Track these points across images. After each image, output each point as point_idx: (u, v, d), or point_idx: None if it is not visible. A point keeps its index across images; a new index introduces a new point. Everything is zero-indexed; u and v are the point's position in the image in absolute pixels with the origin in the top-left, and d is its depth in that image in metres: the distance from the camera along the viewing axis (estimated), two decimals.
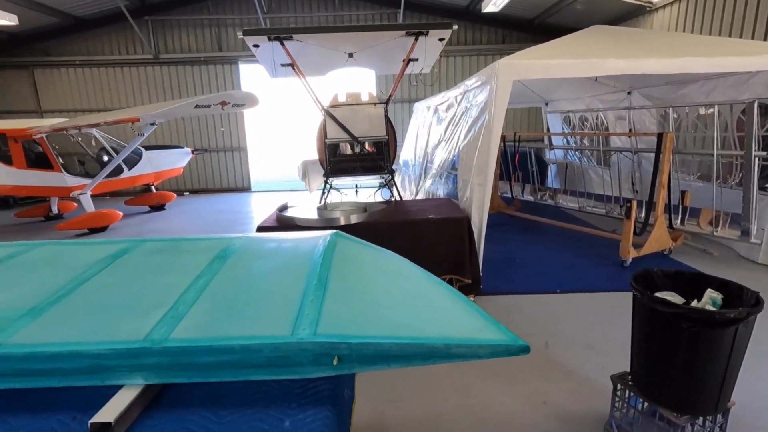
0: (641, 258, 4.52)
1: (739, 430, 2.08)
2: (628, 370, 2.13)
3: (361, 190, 6.79)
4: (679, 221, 4.99)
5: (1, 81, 11.36)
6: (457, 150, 4.89)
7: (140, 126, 7.17)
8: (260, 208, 9.44)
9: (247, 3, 10.85)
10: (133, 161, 8.35)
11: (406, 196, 7.28)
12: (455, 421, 2.28)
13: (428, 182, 6.48)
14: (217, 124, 11.78)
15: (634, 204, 4.40)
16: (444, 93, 6.50)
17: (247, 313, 1.22)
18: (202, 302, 1.28)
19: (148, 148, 8.80)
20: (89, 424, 0.96)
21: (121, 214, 7.53)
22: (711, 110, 5.00)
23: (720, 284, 1.97)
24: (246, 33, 4.67)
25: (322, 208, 4.29)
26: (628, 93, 6.41)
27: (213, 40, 11.30)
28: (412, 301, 1.33)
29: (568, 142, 7.93)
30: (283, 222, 3.85)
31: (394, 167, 5.38)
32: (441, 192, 6.22)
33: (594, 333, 3.17)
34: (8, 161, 7.17)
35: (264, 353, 1.07)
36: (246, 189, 12.14)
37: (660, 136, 4.45)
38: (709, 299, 1.92)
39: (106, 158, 8.01)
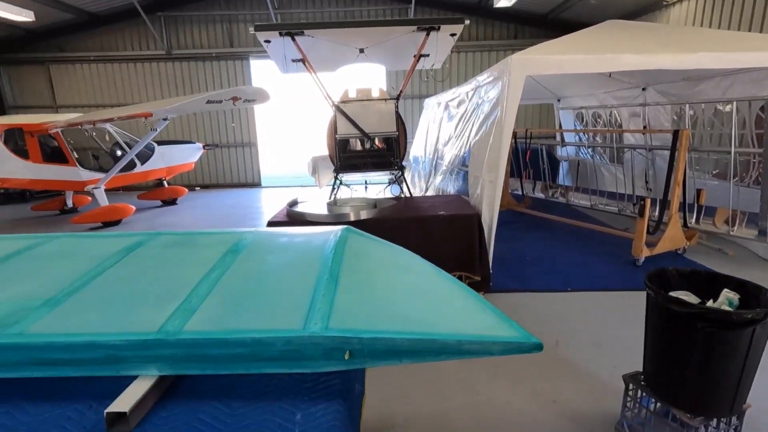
0: (654, 257, 4.46)
1: None
2: (640, 369, 2.10)
3: (371, 187, 6.80)
4: (693, 220, 4.91)
5: (18, 76, 11.56)
6: (468, 146, 4.86)
7: (153, 121, 7.24)
8: (270, 203, 9.49)
9: None
10: (145, 156, 8.44)
11: (416, 192, 7.26)
12: (463, 418, 2.27)
13: (438, 179, 6.46)
14: (228, 120, 11.85)
15: (648, 202, 4.34)
16: (455, 89, 6.45)
17: (259, 307, 1.22)
18: (214, 295, 1.29)
19: (160, 143, 8.89)
20: (105, 414, 0.97)
21: (134, 208, 7.62)
22: (728, 107, 4.89)
23: (737, 284, 1.93)
24: (257, 28, 4.68)
25: (332, 204, 4.30)
26: (643, 89, 6.30)
27: (224, 36, 11.35)
28: (424, 296, 1.33)
29: (580, 139, 7.83)
30: (293, 217, 3.86)
31: (404, 163, 5.36)
32: (451, 189, 6.20)
33: (605, 332, 3.14)
34: (25, 155, 7.30)
35: (276, 347, 1.07)
36: (256, 184, 12.21)
37: (676, 133, 4.38)
38: (726, 299, 1.88)
39: (119, 153, 8.12)
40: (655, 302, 1.92)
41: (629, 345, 2.88)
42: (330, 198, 4.93)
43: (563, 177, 8.00)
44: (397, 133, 5.04)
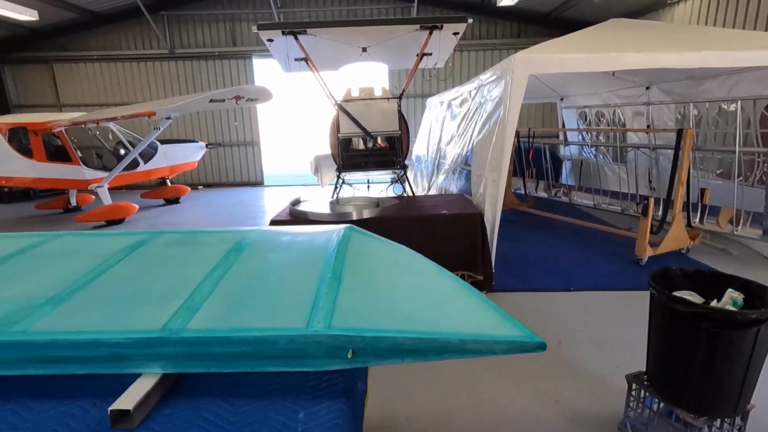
0: (657, 257, 4.44)
1: None
2: (643, 369, 2.10)
3: (373, 186, 6.79)
4: (697, 219, 4.89)
5: (22, 75, 11.61)
6: (470, 145, 4.85)
7: (156, 120, 7.26)
8: (273, 202, 9.50)
9: None
10: (148, 155, 8.46)
11: (418, 191, 7.25)
12: (466, 417, 2.27)
13: (441, 178, 6.45)
14: (230, 119, 11.87)
15: (651, 201, 4.32)
16: (458, 88, 6.44)
17: (262, 305, 1.23)
18: (217, 294, 1.29)
19: (163, 142, 8.91)
20: (109, 411, 0.98)
21: (137, 207, 7.64)
22: (733, 106, 4.87)
23: (741, 284, 1.93)
24: (260, 27, 4.67)
25: (335, 203, 4.30)
26: (647, 88, 6.28)
27: (227, 35, 11.36)
28: (427, 295, 1.33)
29: (583, 138, 7.81)
30: (295, 216, 3.86)
31: (406, 162, 5.35)
32: (454, 188, 6.19)
33: (607, 332, 3.13)
34: (29, 154, 7.33)
35: (279, 345, 1.07)
36: (259, 183, 12.23)
37: (680, 133, 4.36)
38: (730, 299, 1.87)
39: (122, 152, 8.14)
40: (658, 302, 1.92)
41: (632, 345, 2.87)
42: (332, 197, 4.93)
43: (566, 176, 7.97)
44: (399, 132, 5.03)
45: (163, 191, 9.34)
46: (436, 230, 3.78)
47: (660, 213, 4.67)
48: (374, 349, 1.08)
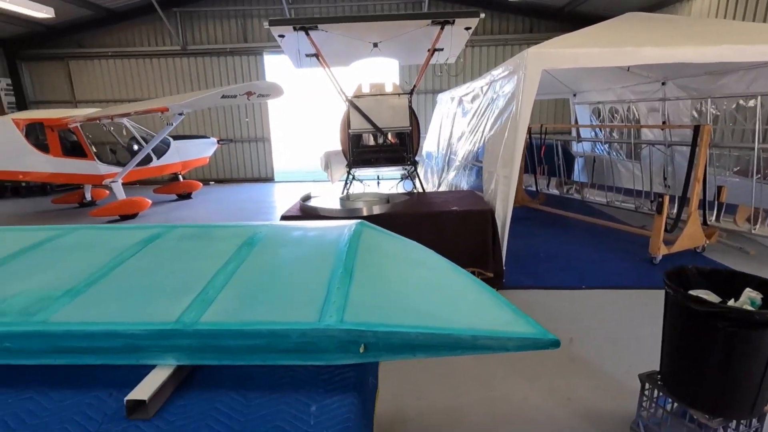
0: (672, 255, 4.37)
1: None
2: (656, 369, 2.07)
3: (383, 182, 6.78)
4: (713, 218, 4.80)
5: (38, 72, 11.81)
6: (482, 141, 4.81)
7: (169, 116, 7.33)
8: (283, 197, 9.55)
9: None
10: (161, 151, 8.56)
11: (429, 188, 7.22)
12: (478, 413, 2.26)
13: (451, 174, 6.41)
14: (242, 115, 11.94)
15: (666, 199, 4.25)
16: (469, 83, 6.39)
17: (275, 299, 1.23)
18: (230, 287, 1.30)
19: (176, 138, 9.00)
20: (125, 401, 0.99)
21: (150, 201, 7.74)
22: (752, 101, 4.75)
23: (759, 283, 1.88)
24: (272, 23, 4.68)
25: (345, 199, 4.31)
26: (663, 84, 6.16)
27: (239, 31, 11.41)
28: (439, 291, 1.32)
29: (596, 135, 7.69)
30: (306, 212, 3.88)
31: (416, 158, 5.33)
32: (464, 184, 6.15)
33: (620, 330, 3.10)
34: (46, 150, 7.46)
35: (291, 339, 1.08)
36: (269, 179, 12.30)
37: (696, 129, 4.27)
38: (748, 299, 1.84)
39: (136, 147, 8.24)
40: (674, 300, 1.89)
41: (645, 344, 2.84)
42: (342, 193, 4.93)
43: (578, 173, 7.87)
44: (410, 128, 5.01)
45: (176, 186, 9.44)
46: (446, 227, 3.77)
47: (675, 211, 4.59)
48: (386, 343, 1.08)
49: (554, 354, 2.66)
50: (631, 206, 5.88)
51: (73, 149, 7.77)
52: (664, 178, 6.02)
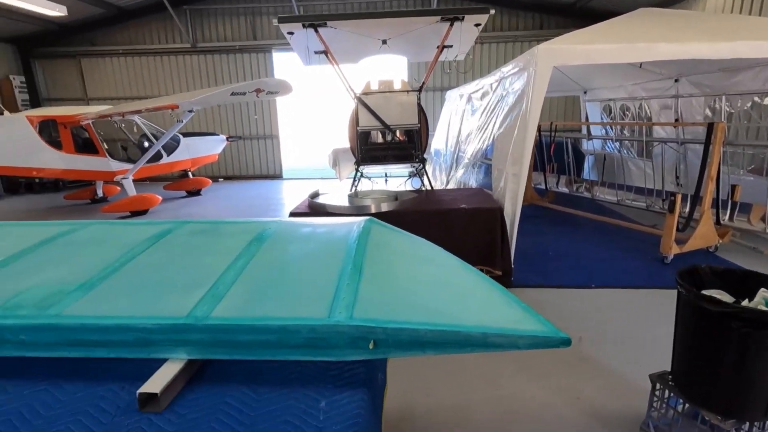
0: (684, 254, 4.31)
1: None
2: (667, 369, 2.04)
3: (391, 179, 6.78)
4: (727, 217, 4.72)
5: (51, 69, 11.97)
6: (491, 139, 4.78)
7: (179, 113, 7.39)
8: (292, 194, 9.59)
9: None
10: (171, 148, 8.63)
11: (437, 185, 7.20)
12: (485, 411, 2.26)
13: (460, 172, 6.39)
14: (251, 112, 12.00)
15: (678, 197, 4.19)
16: (478, 80, 6.34)
17: (284, 295, 1.24)
18: (240, 283, 1.31)
19: (185, 135, 9.08)
20: (137, 394, 1.00)
21: (160, 198, 7.82)
22: None
23: None
24: (281, 20, 4.69)
25: (353, 196, 4.31)
26: (676, 80, 6.06)
27: (248, 28, 11.46)
28: (448, 288, 1.32)
29: (607, 133, 7.61)
30: (314, 209, 3.89)
31: (425, 156, 5.32)
32: (473, 182, 6.13)
33: (630, 330, 3.07)
34: (58, 146, 7.57)
35: (301, 334, 1.08)
36: (278, 176, 12.35)
37: (710, 127, 4.20)
38: (763, 299, 1.80)
39: (146, 144, 8.33)
40: (686, 300, 1.86)
41: (655, 343, 2.81)
42: (351, 190, 4.94)
43: (588, 171, 7.80)
44: (419, 125, 5.00)
45: (185, 183, 9.52)
46: (454, 224, 3.75)
47: (687, 210, 4.52)
48: (395, 340, 1.08)
49: (563, 353, 2.65)
50: (642, 205, 5.81)
51: (86, 146, 7.87)
52: (677, 177, 5.93)
